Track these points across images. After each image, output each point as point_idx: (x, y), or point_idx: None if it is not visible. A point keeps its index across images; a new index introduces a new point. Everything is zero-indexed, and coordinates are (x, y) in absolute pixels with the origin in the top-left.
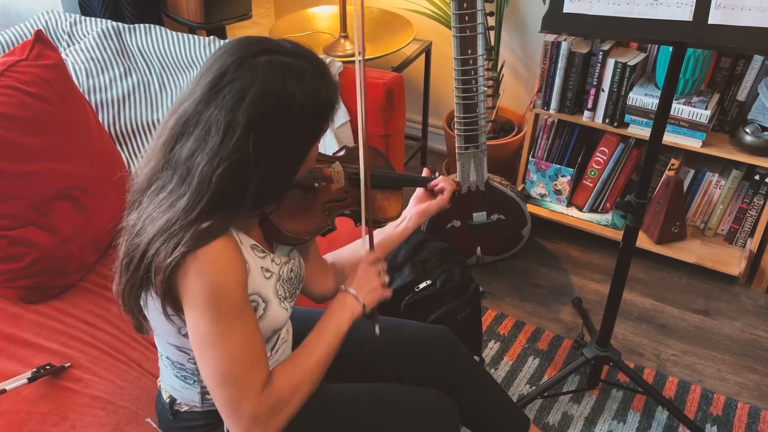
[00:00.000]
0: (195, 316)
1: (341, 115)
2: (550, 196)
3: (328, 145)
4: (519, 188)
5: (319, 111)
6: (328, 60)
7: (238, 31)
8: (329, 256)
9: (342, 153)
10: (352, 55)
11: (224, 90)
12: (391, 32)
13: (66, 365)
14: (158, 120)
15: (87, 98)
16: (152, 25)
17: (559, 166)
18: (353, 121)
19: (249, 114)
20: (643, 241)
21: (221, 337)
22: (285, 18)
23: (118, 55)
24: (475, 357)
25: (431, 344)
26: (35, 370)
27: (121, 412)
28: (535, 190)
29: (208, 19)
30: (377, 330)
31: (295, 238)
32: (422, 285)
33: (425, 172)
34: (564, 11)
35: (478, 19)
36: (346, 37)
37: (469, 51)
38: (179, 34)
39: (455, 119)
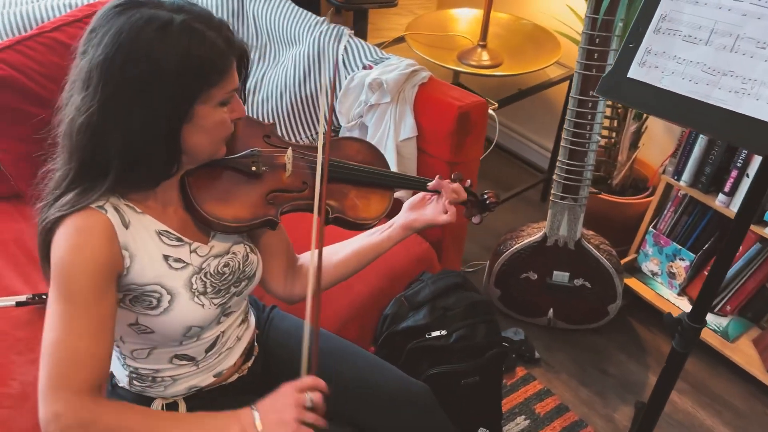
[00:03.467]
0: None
1: (408, 129)
2: (662, 278)
3: (387, 157)
4: (630, 257)
5: (186, 68)
6: (416, 66)
7: (383, 16)
8: (304, 256)
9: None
10: (485, 67)
11: (91, 42)
12: (537, 50)
13: None
14: (247, 87)
15: None
16: None
17: (680, 247)
18: (420, 138)
19: (99, 63)
20: (752, 363)
21: (57, 315)
22: (425, 15)
23: (232, 16)
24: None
25: (402, 400)
26: (30, 296)
27: None
28: (647, 266)
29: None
30: None
31: (219, 224)
32: (434, 333)
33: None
34: (628, 75)
35: (609, 59)
36: (484, 46)
37: (591, 92)
38: (294, 7)
39: (558, 162)
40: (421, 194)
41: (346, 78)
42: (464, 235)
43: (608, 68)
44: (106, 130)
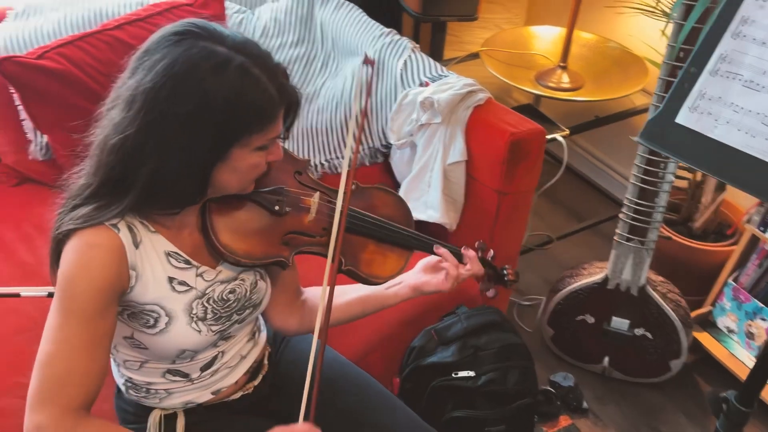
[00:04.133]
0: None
1: (457, 152)
2: (739, 336)
3: (434, 180)
4: (704, 309)
5: (235, 110)
6: (473, 87)
7: (466, 29)
8: (309, 291)
9: (353, 188)
10: (563, 90)
11: (143, 65)
12: (623, 75)
13: None
14: (304, 95)
15: None
16: (346, 2)
17: (763, 305)
18: (470, 163)
19: (147, 89)
20: None
21: (56, 328)
22: (505, 31)
23: (300, 22)
24: None
25: None
26: None
27: None
28: (723, 321)
29: (425, 10)
30: None
31: (230, 256)
32: (462, 374)
33: (463, 251)
34: (676, 120)
35: None
36: (564, 67)
37: None
38: (363, 17)
39: (625, 199)
40: (437, 258)
41: (401, 94)
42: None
43: None
44: (138, 156)
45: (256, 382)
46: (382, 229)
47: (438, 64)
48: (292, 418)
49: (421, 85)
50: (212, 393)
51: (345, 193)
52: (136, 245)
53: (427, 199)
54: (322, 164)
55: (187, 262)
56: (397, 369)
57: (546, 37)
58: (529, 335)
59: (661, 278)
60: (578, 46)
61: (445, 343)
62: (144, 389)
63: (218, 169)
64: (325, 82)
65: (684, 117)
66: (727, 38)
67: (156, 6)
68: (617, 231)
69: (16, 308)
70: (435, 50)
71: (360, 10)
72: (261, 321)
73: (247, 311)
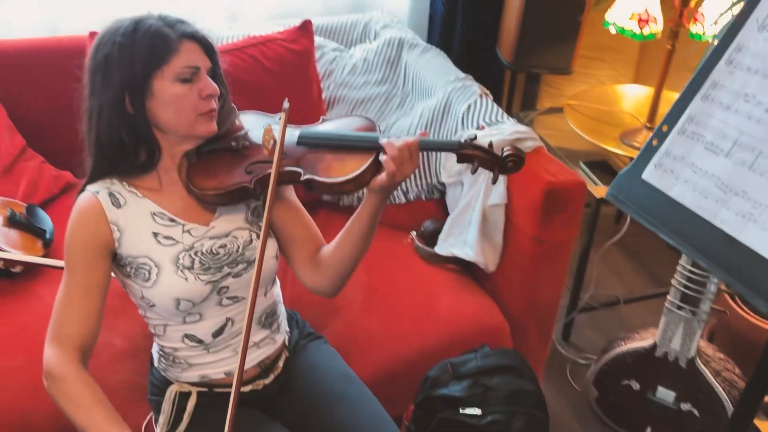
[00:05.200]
0: None
1: (497, 195)
2: None
3: (473, 219)
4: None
5: (131, 49)
6: (523, 135)
7: (565, 82)
8: (327, 247)
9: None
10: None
11: None
12: None
13: None
14: None
15: (336, 91)
16: (433, 47)
17: None
18: (509, 207)
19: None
20: None
21: (62, 282)
22: (596, 87)
23: (386, 63)
24: None
25: None
26: None
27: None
28: None
29: (517, 62)
30: None
31: (202, 194)
32: (469, 410)
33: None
34: (642, 176)
35: None
36: (650, 128)
37: None
38: (444, 62)
39: (678, 264)
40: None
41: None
42: (552, 319)
43: None
44: (88, 125)
45: (266, 381)
46: (334, 138)
47: (500, 111)
48: (294, 425)
49: (477, 128)
50: (225, 373)
51: (283, 116)
52: (118, 206)
53: (466, 237)
54: None
55: (171, 220)
56: (413, 396)
57: (635, 96)
58: (576, 394)
59: (720, 354)
60: (667, 107)
61: (459, 377)
62: (171, 358)
63: (151, 108)
64: (398, 120)
65: (649, 173)
66: (697, 100)
67: (253, 39)
68: (668, 297)
69: None
70: (527, 100)
71: (444, 56)
72: (283, 322)
73: (240, 266)
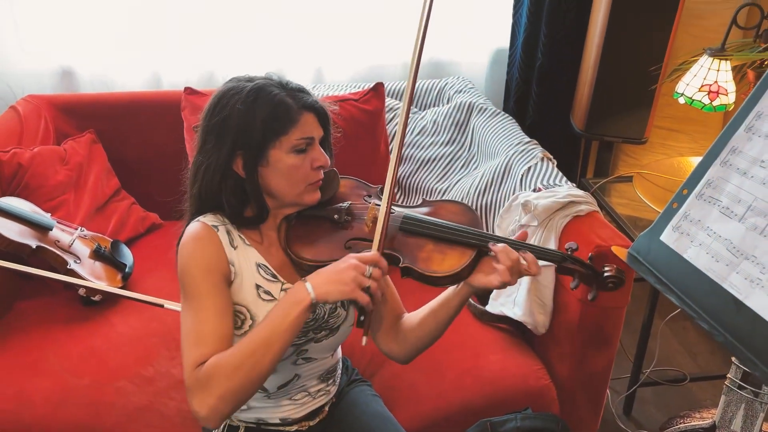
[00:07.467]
0: None
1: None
2: None
3: (524, 279)
4: None
5: (252, 117)
6: (577, 198)
7: (642, 152)
8: (408, 315)
9: (419, 202)
10: None
11: None
12: None
13: None
14: (439, 189)
15: (404, 150)
16: (501, 112)
17: None
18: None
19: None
20: None
21: (185, 313)
22: (669, 158)
23: (454, 126)
24: None
25: None
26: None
27: None
28: None
29: (588, 129)
30: (363, 341)
31: (299, 262)
32: None
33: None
34: (660, 238)
35: None
36: None
37: None
38: (510, 126)
39: None
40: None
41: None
42: (603, 389)
43: None
44: (196, 169)
45: (311, 423)
46: (437, 229)
47: (560, 174)
48: None
49: (534, 190)
50: (280, 419)
51: (389, 192)
52: (234, 246)
53: (516, 297)
54: None
55: (273, 275)
56: None
57: None
58: None
59: None
60: None
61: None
62: None
63: (263, 174)
64: (460, 180)
65: (667, 235)
66: (717, 165)
67: (328, 98)
68: (728, 375)
69: (158, 316)
70: (600, 167)
71: (512, 121)
72: (338, 376)
73: (323, 333)
